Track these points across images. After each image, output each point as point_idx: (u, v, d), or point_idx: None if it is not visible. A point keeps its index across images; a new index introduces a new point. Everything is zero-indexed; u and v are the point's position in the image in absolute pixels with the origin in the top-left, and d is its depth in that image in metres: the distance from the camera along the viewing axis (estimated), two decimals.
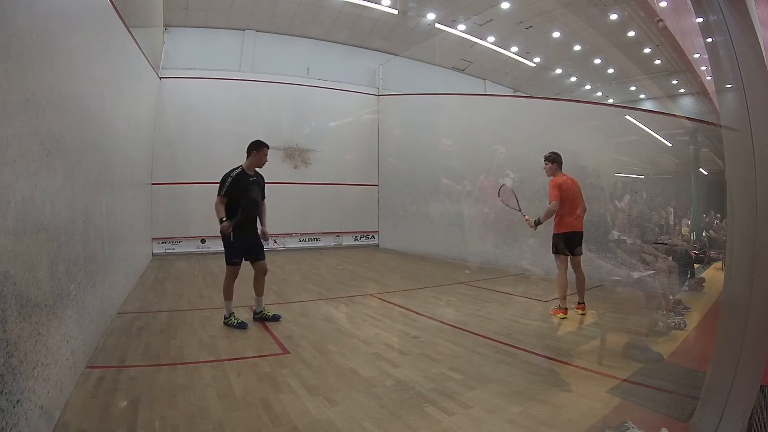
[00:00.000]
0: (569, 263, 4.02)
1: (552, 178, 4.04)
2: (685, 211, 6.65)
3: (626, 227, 5.39)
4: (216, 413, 2.11)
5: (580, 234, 4.06)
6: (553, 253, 4.08)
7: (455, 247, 8.17)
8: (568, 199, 3.96)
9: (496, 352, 3.08)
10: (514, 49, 11.40)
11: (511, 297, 4.95)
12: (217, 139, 8.79)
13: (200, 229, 8.65)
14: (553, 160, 4.06)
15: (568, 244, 3.99)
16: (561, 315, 3.93)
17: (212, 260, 7.88)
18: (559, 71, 12.58)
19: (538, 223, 4.00)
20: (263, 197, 3.82)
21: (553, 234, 4.07)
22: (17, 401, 1.55)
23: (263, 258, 3.77)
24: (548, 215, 3.97)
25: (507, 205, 4.44)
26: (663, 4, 7.27)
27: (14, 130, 1.61)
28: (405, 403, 2.25)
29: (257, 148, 3.68)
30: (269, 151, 3.72)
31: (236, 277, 3.68)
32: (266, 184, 3.82)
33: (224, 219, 3.47)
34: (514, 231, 6.84)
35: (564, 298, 3.96)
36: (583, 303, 4.04)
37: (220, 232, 3.46)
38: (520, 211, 4.27)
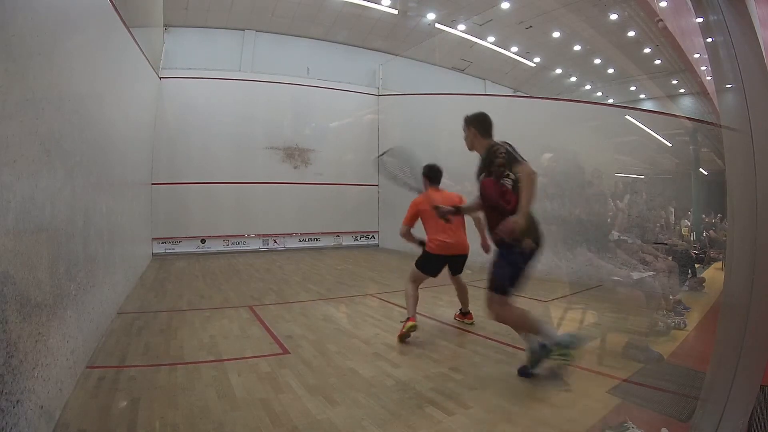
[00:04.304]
0: None
1: None
2: (685, 211, 6.64)
3: (626, 227, 5.39)
4: (216, 413, 2.11)
5: None
6: None
7: None
8: None
9: (496, 352, 3.09)
10: (514, 49, 11.41)
11: None
12: (217, 139, 8.80)
13: (200, 229, 8.65)
14: None
15: None
16: None
17: (212, 260, 7.89)
18: (559, 71, 12.59)
19: None
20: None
21: None
22: (17, 401, 1.55)
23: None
24: None
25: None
26: (663, 4, 7.28)
27: (14, 130, 1.61)
28: (405, 403, 2.25)
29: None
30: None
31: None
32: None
33: None
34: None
35: None
36: None
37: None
38: None
